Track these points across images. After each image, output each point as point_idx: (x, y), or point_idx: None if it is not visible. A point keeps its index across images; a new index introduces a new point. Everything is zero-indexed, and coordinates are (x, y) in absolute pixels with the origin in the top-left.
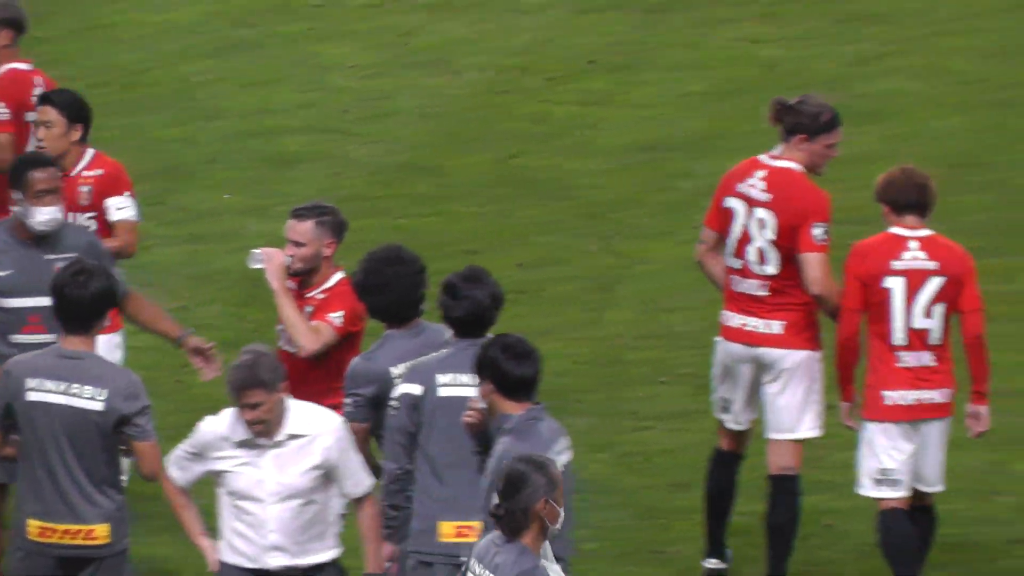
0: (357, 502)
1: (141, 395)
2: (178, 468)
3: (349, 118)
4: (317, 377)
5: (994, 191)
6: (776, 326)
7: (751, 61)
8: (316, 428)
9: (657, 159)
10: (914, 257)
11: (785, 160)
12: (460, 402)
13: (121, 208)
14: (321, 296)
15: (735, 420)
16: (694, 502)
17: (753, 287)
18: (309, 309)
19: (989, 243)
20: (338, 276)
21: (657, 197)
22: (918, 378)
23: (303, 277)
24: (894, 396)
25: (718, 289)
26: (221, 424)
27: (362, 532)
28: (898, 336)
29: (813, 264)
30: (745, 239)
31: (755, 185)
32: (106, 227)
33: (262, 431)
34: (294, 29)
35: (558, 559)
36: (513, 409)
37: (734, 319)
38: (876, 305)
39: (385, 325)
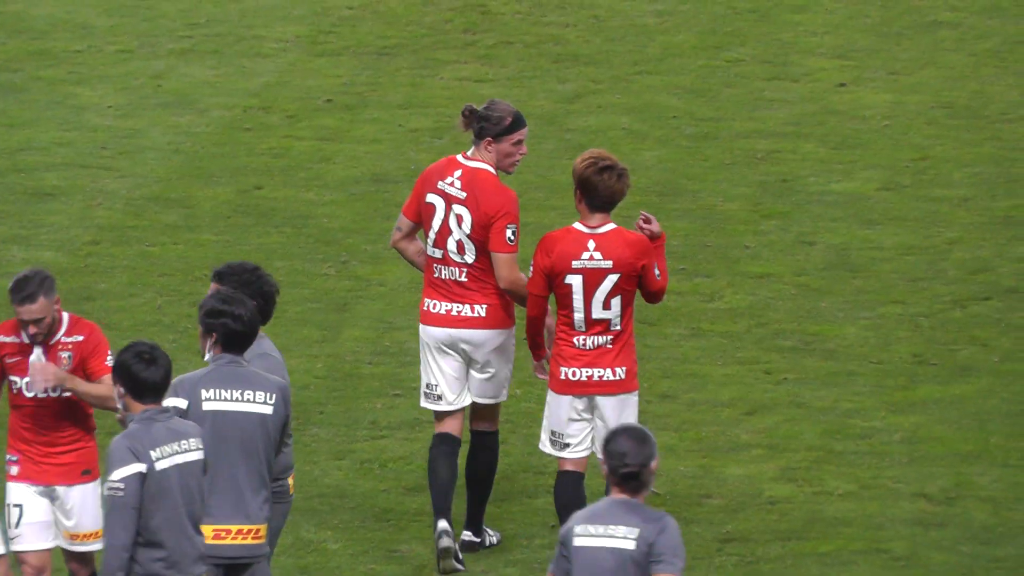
0: None
1: None
2: None
3: (105, 154)
4: (76, 419)
5: (696, 217)
6: (479, 309)
7: (471, 99)
8: None
9: (387, 190)
10: (591, 256)
11: (477, 161)
12: (221, 415)
13: None
14: (70, 339)
15: (446, 403)
16: (425, 505)
17: (455, 274)
18: (67, 354)
19: (693, 265)
20: (65, 316)
21: (387, 224)
22: (592, 358)
23: None
24: (568, 372)
25: (418, 269)
26: None
27: None
28: (578, 324)
29: (502, 263)
30: (445, 231)
31: (453, 184)
32: None
33: None
34: (54, 73)
35: None
36: (138, 409)
37: (437, 306)
38: (560, 296)
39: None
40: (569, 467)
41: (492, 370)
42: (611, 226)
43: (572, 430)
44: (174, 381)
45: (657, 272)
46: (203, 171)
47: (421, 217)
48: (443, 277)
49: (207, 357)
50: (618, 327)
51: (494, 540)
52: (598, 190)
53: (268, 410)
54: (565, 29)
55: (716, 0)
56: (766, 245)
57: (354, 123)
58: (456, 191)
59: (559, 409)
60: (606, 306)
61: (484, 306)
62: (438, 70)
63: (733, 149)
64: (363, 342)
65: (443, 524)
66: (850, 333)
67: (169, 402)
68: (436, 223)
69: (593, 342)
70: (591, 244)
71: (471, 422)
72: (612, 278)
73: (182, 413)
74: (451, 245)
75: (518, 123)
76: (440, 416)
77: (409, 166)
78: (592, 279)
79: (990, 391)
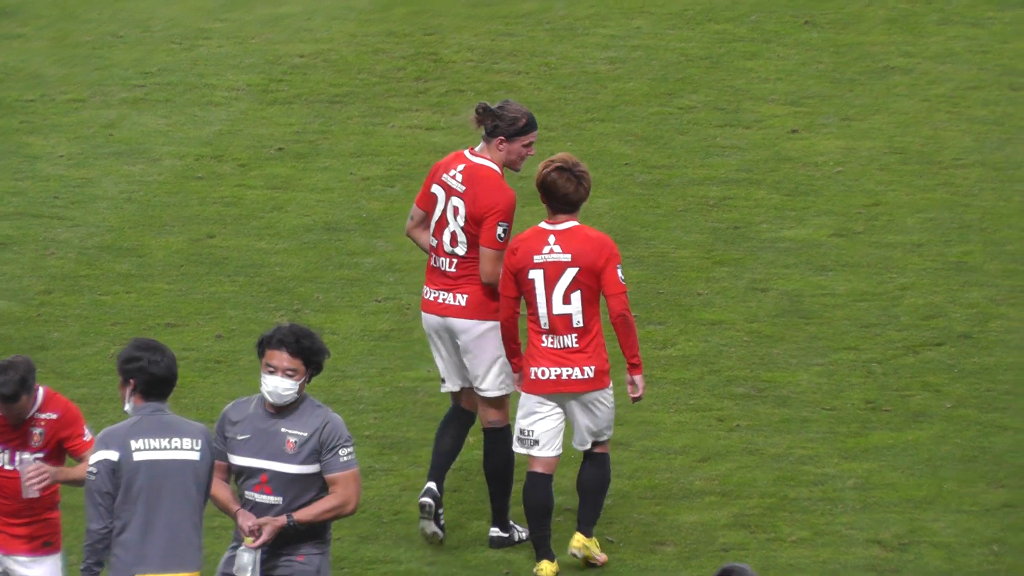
0: None
1: None
2: None
3: (57, 203)
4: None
5: (649, 264)
6: (460, 299)
7: (423, 147)
8: None
9: (339, 238)
10: (551, 251)
11: (484, 158)
12: (154, 464)
13: None
14: (43, 416)
15: (447, 385)
16: (380, 552)
17: (445, 264)
18: (39, 431)
19: (645, 313)
20: (40, 391)
21: (340, 273)
22: (559, 357)
23: None
24: (537, 372)
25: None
26: None
27: None
28: (542, 321)
29: (488, 258)
30: (443, 222)
31: (456, 177)
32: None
33: None
34: (6, 123)
35: None
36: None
37: (430, 293)
38: (526, 293)
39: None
40: (538, 468)
41: (478, 359)
42: (573, 223)
43: (541, 428)
44: (101, 434)
45: (622, 277)
46: (155, 220)
47: (427, 207)
48: (436, 265)
49: (127, 407)
50: (581, 324)
51: (523, 536)
52: (552, 191)
53: (196, 456)
54: (517, 77)
55: (668, 47)
56: (719, 292)
57: (306, 171)
58: (457, 184)
59: (529, 408)
60: (566, 300)
61: (466, 296)
62: (390, 118)
63: (686, 196)
64: (315, 390)
65: (429, 485)
66: (803, 380)
67: (99, 455)
68: (436, 213)
69: (560, 341)
70: (551, 239)
71: (481, 418)
72: (571, 272)
73: (114, 467)
74: (445, 236)
75: (531, 125)
76: (455, 396)
77: (361, 214)
78: (552, 273)
79: (943, 437)
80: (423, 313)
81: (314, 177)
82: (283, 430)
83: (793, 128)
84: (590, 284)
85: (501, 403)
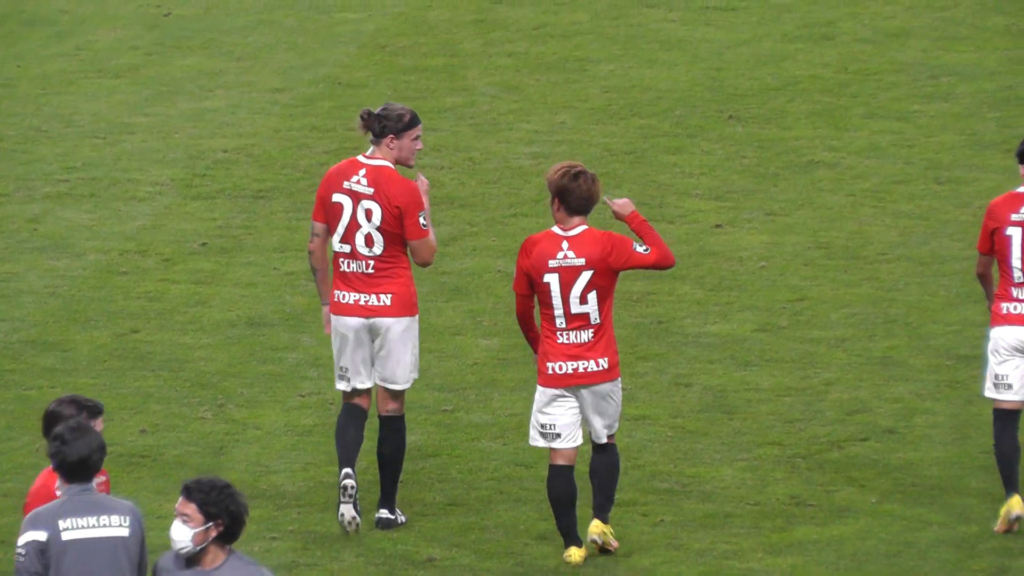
0: None
1: None
2: None
3: None
4: None
5: None
6: (386, 299)
7: None
8: None
9: (263, 333)
10: (565, 256)
11: (378, 159)
12: (83, 543)
13: None
14: None
15: (352, 381)
16: None
17: (362, 267)
18: None
19: None
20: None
21: (264, 368)
22: (575, 352)
23: None
24: (554, 367)
25: (313, 272)
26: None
27: None
28: (559, 320)
29: (421, 247)
30: (354, 226)
31: (360, 181)
32: None
33: None
34: None
35: None
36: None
37: (348, 297)
38: (541, 295)
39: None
40: (560, 461)
41: (398, 354)
42: (584, 227)
43: (562, 422)
44: (30, 515)
45: (645, 248)
46: (80, 315)
47: (328, 218)
48: (352, 270)
49: (56, 488)
50: (598, 321)
51: (403, 519)
52: (574, 195)
53: (126, 532)
54: (440, 172)
55: (592, 142)
56: (642, 387)
57: (230, 266)
58: (363, 188)
59: (549, 402)
60: (583, 301)
61: (390, 295)
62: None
63: None
64: (240, 485)
65: (347, 470)
66: (727, 475)
67: (27, 536)
68: (344, 219)
69: (576, 337)
70: (565, 244)
71: (379, 407)
72: (586, 275)
73: (43, 547)
74: (359, 239)
75: (415, 119)
76: (350, 395)
77: (285, 309)
78: (567, 277)
79: (868, 532)
80: (339, 317)
81: (238, 272)
82: None
83: (717, 223)
84: (604, 284)
85: (402, 396)
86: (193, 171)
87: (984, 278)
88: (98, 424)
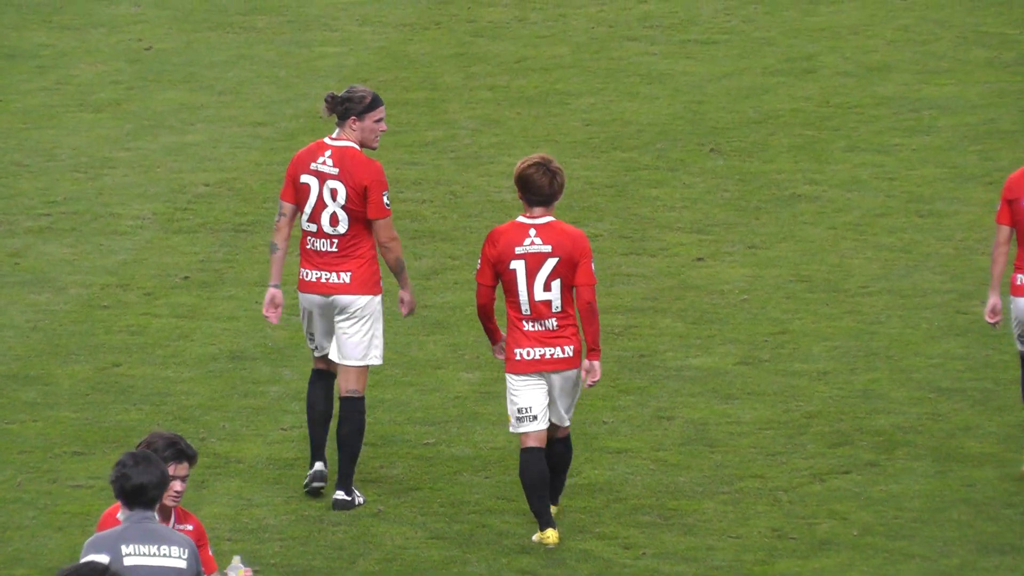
0: None
1: None
2: None
3: None
4: None
5: None
6: (345, 276)
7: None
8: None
9: (244, 367)
10: (532, 243)
11: (344, 140)
12: (144, 570)
13: None
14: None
15: (319, 348)
16: None
17: (326, 245)
18: None
19: None
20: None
21: (245, 402)
22: (542, 339)
23: None
24: (522, 353)
25: (273, 251)
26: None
27: None
28: (524, 307)
29: (382, 226)
30: (320, 206)
31: (325, 163)
32: None
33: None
34: None
35: None
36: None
37: (311, 274)
38: (506, 283)
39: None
40: (533, 443)
41: (353, 331)
42: (550, 218)
43: (538, 403)
44: (91, 539)
45: (592, 275)
46: (62, 348)
47: (297, 198)
48: (316, 248)
49: (119, 514)
50: (560, 309)
51: (361, 500)
52: (530, 187)
53: (183, 564)
54: (422, 205)
55: (574, 175)
56: (624, 420)
57: (211, 300)
58: (329, 168)
59: (521, 387)
60: (546, 287)
61: (349, 273)
62: (294, 246)
63: None
64: (222, 519)
65: (319, 467)
66: (709, 508)
67: (90, 559)
68: (312, 200)
69: (542, 324)
70: (532, 232)
71: (340, 388)
72: (551, 262)
73: (104, 569)
74: (324, 219)
75: (377, 101)
76: (318, 358)
77: (266, 343)
78: (533, 263)
79: (849, 565)
80: (302, 293)
81: (219, 306)
82: None
83: (698, 256)
84: (567, 273)
85: (364, 374)
86: (175, 205)
87: (1000, 249)
88: (181, 469)
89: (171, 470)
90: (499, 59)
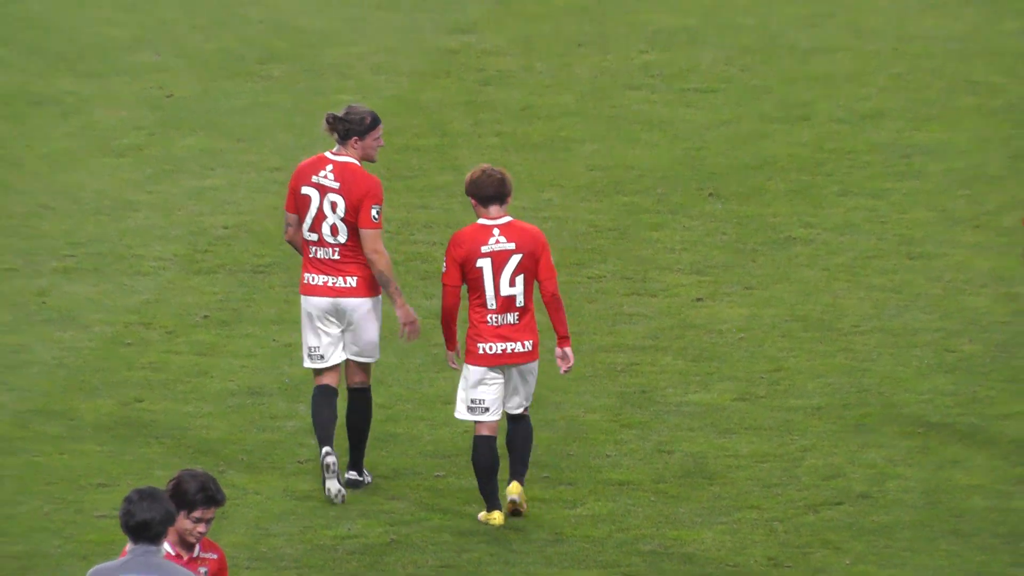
0: None
1: None
2: None
3: None
4: None
5: (559, 427)
6: (351, 280)
7: None
8: None
9: (262, 402)
10: (496, 241)
11: (345, 156)
12: None
13: None
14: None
15: (326, 361)
16: None
17: (329, 253)
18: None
19: (556, 474)
20: None
21: (263, 436)
22: (504, 334)
23: None
24: (485, 347)
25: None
26: None
27: None
28: (490, 302)
29: (368, 237)
30: (320, 217)
31: (327, 176)
32: None
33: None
34: None
35: None
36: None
37: (316, 279)
38: (472, 280)
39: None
40: (485, 432)
41: (364, 331)
42: (509, 218)
43: (491, 396)
44: (93, 569)
45: (553, 271)
46: (86, 384)
47: (298, 209)
48: (319, 256)
49: (127, 547)
50: (522, 304)
51: (368, 480)
52: (479, 186)
53: None
54: (432, 247)
55: (578, 218)
56: (626, 454)
57: (230, 338)
58: (330, 182)
59: (479, 379)
60: (511, 283)
61: (355, 278)
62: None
63: (594, 362)
64: (240, 548)
65: (327, 448)
66: (707, 538)
67: None
68: (312, 210)
69: (504, 319)
70: (496, 231)
71: (348, 380)
72: (516, 258)
73: None
74: (325, 229)
75: (376, 121)
76: (319, 373)
77: (283, 379)
78: (499, 261)
79: None
80: (308, 297)
81: (238, 343)
82: None
83: (698, 296)
84: (530, 268)
85: (370, 368)
86: (195, 247)
87: None
88: (209, 513)
89: (199, 513)
90: (506, 106)
